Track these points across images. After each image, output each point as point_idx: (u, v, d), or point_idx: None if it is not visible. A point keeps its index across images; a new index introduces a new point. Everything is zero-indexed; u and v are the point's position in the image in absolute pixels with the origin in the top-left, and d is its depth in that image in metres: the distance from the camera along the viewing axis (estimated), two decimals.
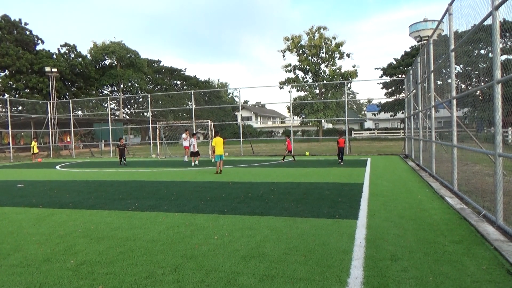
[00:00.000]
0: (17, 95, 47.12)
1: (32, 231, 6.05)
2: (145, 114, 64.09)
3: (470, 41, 7.15)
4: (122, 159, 19.43)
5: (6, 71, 46.46)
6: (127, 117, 64.29)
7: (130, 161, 21.78)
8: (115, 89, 64.36)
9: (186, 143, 20.38)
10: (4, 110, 43.07)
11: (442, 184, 9.27)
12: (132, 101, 68.49)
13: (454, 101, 7.95)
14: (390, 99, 50.53)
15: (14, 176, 15.62)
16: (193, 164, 18.05)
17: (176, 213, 7.08)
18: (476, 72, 8.73)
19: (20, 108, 48.41)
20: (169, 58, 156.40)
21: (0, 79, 46.40)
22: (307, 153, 23.93)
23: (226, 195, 8.84)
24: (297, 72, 49.55)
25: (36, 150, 26.46)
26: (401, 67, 49.79)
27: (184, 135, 20.63)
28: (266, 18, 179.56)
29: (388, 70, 51.15)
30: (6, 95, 44.54)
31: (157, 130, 25.23)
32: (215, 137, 14.89)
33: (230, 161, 20.05)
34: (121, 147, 19.60)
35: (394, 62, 51.89)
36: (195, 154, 18.41)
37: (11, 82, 46.02)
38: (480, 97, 7.74)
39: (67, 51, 53.22)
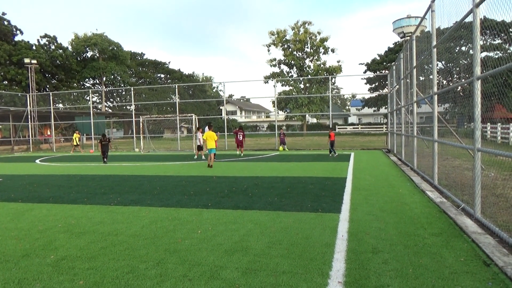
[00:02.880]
0: None
1: (10, 226, 5.91)
2: (128, 107, 63.23)
3: (452, 38, 7.27)
4: (105, 157, 16.96)
5: None
6: (110, 110, 63.22)
7: (113, 155, 21.46)
8: (97, 82, 63.14)
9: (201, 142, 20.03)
10: None
11: (423, 178, 9.44)
12: (114, 94, 67.40)
13: (436, 97, 8.10)
14: (374, 95, 51.16)
15: None
16: (196, 157, 18.27)
17: (159, 207, 7.02)
18: (457, 69, 8.90)
19: None
20: (152, 51, 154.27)
21: None
22: (280, 148, 23.27)
23: (210, 189, 8.81)
24: (282, 66, 49.56)
25: (77, 143, 26.28)
26: (384, 63, 50.40)
27: (200, 135, 20.04)
28: (251, 11, 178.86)
29: (372, 66, 51.71)
30: None
31: (141, 124, 24.90)
32: (209, 130, 14.78)
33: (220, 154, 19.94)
34: (104, 142, 17.15)
35: (378, 58, 52.47)
36: (200, 148, 18.27)
37: None
38: (460, 93, 7.90)
39: (47, 43, 51.89)
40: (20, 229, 5.73)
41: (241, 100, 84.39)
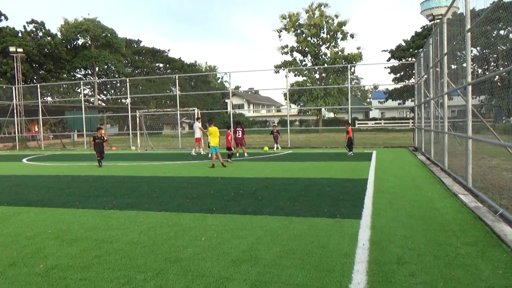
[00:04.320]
0: None
1: None
2: (123, 101, 63.71)
3: (489, 20, 7.17)
4: (101, 159, 15.41)
5: None
6: (103, 104, 63.75)
7: (106, 154, 21.64)
8: (89, 72, 63.68)
9: (198, 134, 20.15)
10: None
11: (455, 180, 9.35)
12: (108, 86, 67.90)
13: (470, 88, 8.00)
14: (399, 85, 50.74)
15: None
16: (194, 153, 18.34)
17: (158, 212, 7.08)
18: (494, 56, 8.78)
19: None
20: (150, 38, 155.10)
21: None
22: (265, 148, 22.27)
23: (214, 192, 8.85)
24: (295, 54, 49.40)
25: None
26: (411, 50, 49.92)
27: (197, 124, 20.14)
28: None
29: (397, 53, 51.26)
30: None
31: (137, 119, 25.08)
32: (209, 126, 14.85)
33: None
34: (98, 141, 15.51)
35: (404, 44, 51.99)
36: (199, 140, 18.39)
37: None
38: (498, 84, 7.79)
39: (34, 29, 52.45)
40: (6, 235, 5.82)
41: (249, 93, 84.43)
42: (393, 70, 53.14)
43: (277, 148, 22.22)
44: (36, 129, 40.42)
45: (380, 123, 53.32)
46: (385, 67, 54.52)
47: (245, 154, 18.58)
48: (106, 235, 5.71)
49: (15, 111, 30.95)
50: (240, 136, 18.45)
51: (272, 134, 22.49)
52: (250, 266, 4.34)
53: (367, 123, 54.99)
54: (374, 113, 74.20)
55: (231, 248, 4.95)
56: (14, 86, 31.92)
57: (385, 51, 54.60)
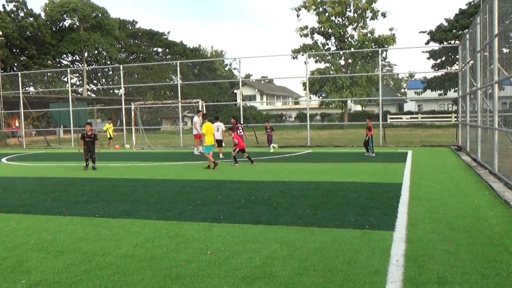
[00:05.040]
0: None
1: None
2: (116, 91, 64.28)
3: None
4: (90, 159, 15.14)
5: None
6: (93, 95, 64.42)
7: (96, 154, 21.85)
8: (77, 58, 64.42)
9: (196, 130, 20.17)
10: None
11: (507, 186, 9.24)
12: (99, 74, 68.64)
13: None
14: (439, 73, 50.20)
15: None
16: (196, 152, 18.41)
17: (157, 220, 7.13)
18: None
19: None
20: (147, 18, 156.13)
21: None
22: (271, 149, 21.48)
23: (222, 198, 8.88)
24: (316, 36, 49.35)
25: (112, 134, 26.65)
26: (454, 31, 49.34)
27: (196, 119, 20.15)
28: None
29: (437, 35, 50.72)
30: None
31: (132, 113, 25.29)
32: (204, 121, 14.98)
33: (227, 153, 20.07)
34: (88, 139, 15.17)
35: (445, 24, 51.41)
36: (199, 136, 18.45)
37: None
38: None
39: (14, 9, 53.22)
40: None
41: (262, 82, 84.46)
42: (433, 55, 52.55)
43: (273, 148, 21.61)
44: (17, 124, 41.07)
45: (417, 118, 52.89)
46: (423, 52, 54.04)
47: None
48: (97, 246, 5.77)
49: None
50: (241, 133, 18.41)
51: (266, 131, 22.20)
52: (264, 285, 4.34)
53: (401, 118, 54.61)
54: (409, 106, 73.60)
55: (242, 264, 4.96)
56: None
57: (423, 32, 54.03)
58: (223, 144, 18.59)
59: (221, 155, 18.05)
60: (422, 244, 5.51)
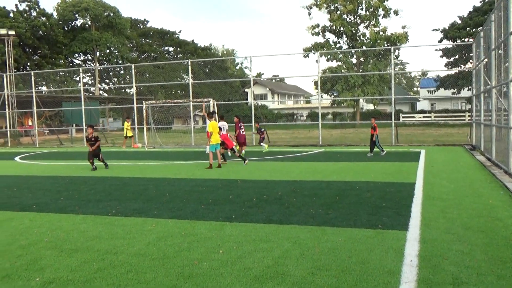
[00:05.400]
0: None
1: None
2: (127, 90, 64.65)
3: None
4: (95, 162, 14.68)
5: None
6: (105, 94, 64.91)
7: (109, 152, 22.04)
8: (89, 58, 64.92)
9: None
10: None
11: None
12: (111, 73, 69.12)
13: None
14: (452, 72, 49.78)
15: None
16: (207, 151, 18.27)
17: (169, 219, 7.16)
18: None
19: None
20: (158, 16, 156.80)
21: None
22: (266, 148, 20.92)
23: (234, 197, 8.90)
24: (328, 35, 49.09)
25: (130, 134, 26.46)
26: (468, 28, 48.87)
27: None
28: None
29: (451, 32, 50.28)
30: None
31: (144, 112, 25.43)
32: (210, 120, 14.92)
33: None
34: (91, 142, 14.66)
35: (459, 22, 50.94)
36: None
37: None
38: None
39: (27, 8, 53.78)
40: None
41: (273, 81, 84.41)
42: (446, 53, 52.10)
43: (263, 148, 21.11)
44: (30, 123, 41.52)
45: (430, 117, 52.47)
46: (436, 50, 53.46)
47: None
48: (110, 245, 5.82)
49: (6, 102, 31.80)
50: (244, 133, 18.32)
51: (258, 131, 21.97)
52: (276, 284, 4.34)
53: (413, 117, 54.20)
54: (422, 105, 73.06)
55: (254, 263, 4.97)
56: (5, 74, 32.79)
57: (436, 30, 53.67)
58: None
59: (229, 153, 17.97)
60: (436, 244, 5.47)
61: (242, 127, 18.29)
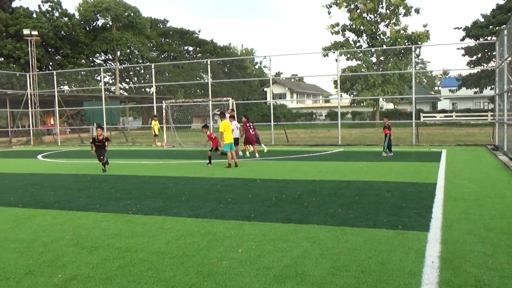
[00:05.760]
0: None
1: (10, 237, 6.34)
2: (147, 90, 65.27)
3: None
4: (103, 163, 14.22)
5: None
6: (125, 93, 65.62)
7: (129, 151, 22.27)
8: (110, 57, 65.69)
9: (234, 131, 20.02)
10: None
11: None
12: (131, 73, 69.84)
13: None
14: (475, 70, 49.00)
15: None
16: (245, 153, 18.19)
17: (188, 218, 7.21)
18: None
19: None
20: (178, 17, 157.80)
21: None
22: (265, 149, 19.76)
23: (252, 196, 8.91)
24: (347, 34, 48.78)
25: (157, 132, 26.66)
26: (491, 26, 48.03)
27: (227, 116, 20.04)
28: None
29: (473, 31, 49.51)
30: None
31: (163, 111, 25.63)
32: (221, 119, 14.94)
33: (258, 152, 20.13)
34: (98, 143, 14.20)
35: (482, 20, 50.11)
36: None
37: None
38: None
39: (49, 9, 54.64)
40: (21, 241, 6.12)
41: (292, 80, 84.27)
42: (468, 51, 51.31)
43: (264, 148, 20.21)
44: (52, 122, 42.24)
45: (451, 116, 51.75)
46: (458, 48, 52.74)
47: (256, 154, 17.80)
48: (130, 243, 5.88)
49: (29, 101, 32.37)
50: (254, 132, 18.04)
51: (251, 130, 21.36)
52: (296, 284, 4.33)
53: (434, 116, 53.54)
54: (443, 104, 72.12)
55: (273, 262, 4.97)
56: (28, 74, 33.38)
57: (458, 28, 52.77)
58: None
59: (240, 153, 18.00)
60: (458, 245, 5.40)
61: (251, 126, 18.12)
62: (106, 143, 14.29)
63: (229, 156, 14.39)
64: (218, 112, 21.43)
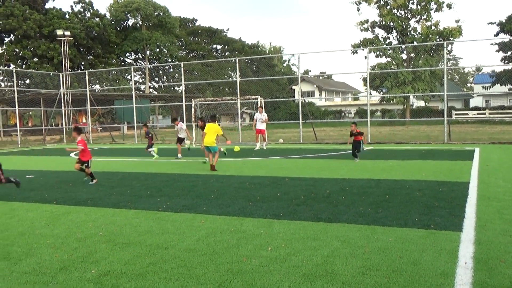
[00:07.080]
0: (24, 65, 50.39)
1: (45, 232, 6.52)
2: (176, 88, 66.02)
3: None
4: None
5: (12, 35, 49.71)
6: (155, 92, 66.52)
7: (160, 149, 22.55)
8: (140, 56, 66.69)
9: (261, 125, 20.56)
10: (9, 84, 46.33)
11: None
12: (160, 72, 70.74)
13: None
14: (509, 66, 47.70)
15: (22, 164, 16.87)
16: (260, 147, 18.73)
17: (218, 215, 7.27)
18: None
19: (27, 81, 51.80)
20: (207, 16, 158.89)
21: (4, 45, 49.76)
22: (236, 148, 19.71)
23: (281, 195, 8.91)
24: (377, 30, 48.27)
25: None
26: None
27: (257, 115, 20.69)
28: None
29: (508, 25, 48.19)
30: (12, 66, 47.82)
31: (192, 109, 25.86)
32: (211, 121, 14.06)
33: (286, 150, 20.10)
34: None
35: None
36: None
37: (17, 50, 49.21)
38: None
39: (81, 10, 55.84)
40: (56, 236, 6.29)
41: (320, 77, 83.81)
42: (503, 47, 49.99)
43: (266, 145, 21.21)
44: (84, 121, 43.18)
45: (485, 114, 50.53)
46: (491, 44, 51.45)
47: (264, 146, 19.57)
48: (161, 240, 5.97)
49: (62, 100, 33.18)
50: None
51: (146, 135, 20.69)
52: (326, 283, 4.32)
53: (467, 114, 52.40)
54: (476, 101, 70.45)
55: (303, 261, 4.96)
56: (61, 74, 34.22)
57: (492, 23, 51.52)
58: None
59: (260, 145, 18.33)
60: (493, 246, 5.28)
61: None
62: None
63: (206, 154, 14.21)
64: (248, 111, 21.92)
